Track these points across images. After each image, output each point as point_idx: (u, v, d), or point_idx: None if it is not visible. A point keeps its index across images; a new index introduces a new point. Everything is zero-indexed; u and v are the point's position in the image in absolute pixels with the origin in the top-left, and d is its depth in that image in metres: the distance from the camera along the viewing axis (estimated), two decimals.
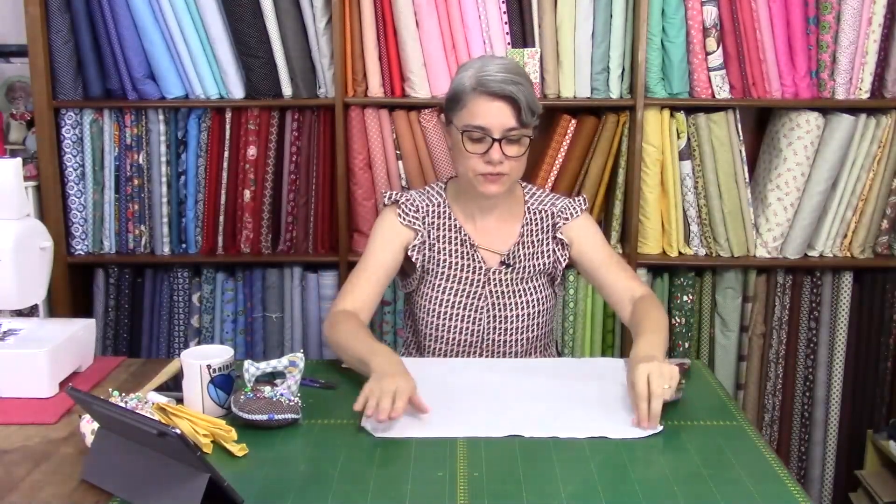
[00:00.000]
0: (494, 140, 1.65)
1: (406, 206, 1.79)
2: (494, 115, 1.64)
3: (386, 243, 1.78)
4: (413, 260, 1.78)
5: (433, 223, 1.80)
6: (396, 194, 1.82)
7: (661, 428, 1.37)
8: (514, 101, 1.63)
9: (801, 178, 2.41)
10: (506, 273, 1.78)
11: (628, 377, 1.46)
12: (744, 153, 2.43)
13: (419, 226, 1.78)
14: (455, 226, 1.80)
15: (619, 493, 1.17)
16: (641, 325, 1.64)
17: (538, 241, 1.81)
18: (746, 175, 2.45)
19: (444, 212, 1.81)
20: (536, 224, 1.82)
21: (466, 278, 1.78)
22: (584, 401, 1.48)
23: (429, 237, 1.79)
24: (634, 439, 1.34)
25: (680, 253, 2.49)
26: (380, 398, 1.37)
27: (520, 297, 1.80)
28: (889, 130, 2.39)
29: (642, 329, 1.62)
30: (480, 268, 1.78)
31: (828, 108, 2.41)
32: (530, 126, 1.68)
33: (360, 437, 1.35)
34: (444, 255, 1.78)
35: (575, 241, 1.81)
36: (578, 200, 1.85)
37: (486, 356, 1.80)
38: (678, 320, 2.52)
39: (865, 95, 2.40)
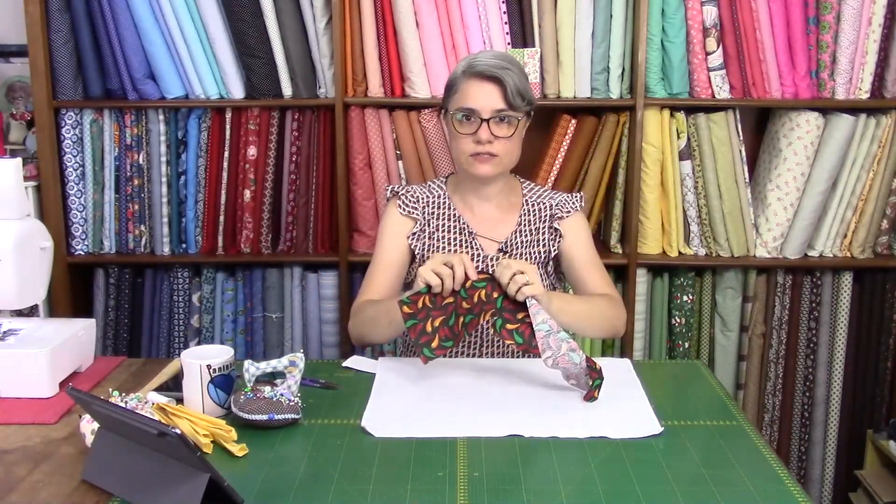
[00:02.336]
0: (483, 120, 1.71)
1: (406, 197, 1.85)
2: (483, 97, 1.71)
3: (391, 236, 1.84)
4: (412, 248, 1.82)
5: (433, 213, 1.84)
6: (397, 187, 1.89)
7: (661, 428, 1.37)
8: (500, 82, 1.71)
9: (801, 178, 2.41)
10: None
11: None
12: (744, 153, 2.43)
13: (417, 214, 1.83)
14: (454, 215, 1.84)
15: (619, 493, 1.17)
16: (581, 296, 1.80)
17: (535, 229, 1.85)
18: (746, 175, 2.45)
19: (444, 202, 1.85)
20: (534, 214, 1.86)
21: None
22: (584, 400, 1.48)
23: (428, 226, 1.83)
24: (634, 439, 1.34)
25: (680, 253, 2.49)
26: (440, 270, 1.47)
27: None
28: (889, 130, 2.39)
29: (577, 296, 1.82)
30: (479, 255, 1.80)
31: (828, 108, 2.41)
32: (520, 110, 1.74)
33: (360, 437, 1.35)
34: (443, 242, 1.81)
35: (567, 236, 1.85)
36: (576, 197, 1.89)
37: (486, 346, 1.80)
38: (678, 320, 2.52)
39: (865, 95, 2.40)
